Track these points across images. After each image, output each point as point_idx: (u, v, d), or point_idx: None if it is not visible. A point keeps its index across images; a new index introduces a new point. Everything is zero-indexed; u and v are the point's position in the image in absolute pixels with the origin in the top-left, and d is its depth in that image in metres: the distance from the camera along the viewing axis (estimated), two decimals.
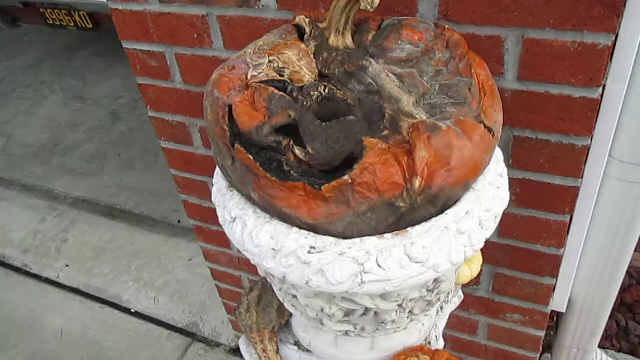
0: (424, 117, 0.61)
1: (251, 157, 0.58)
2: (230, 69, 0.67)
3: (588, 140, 0.85)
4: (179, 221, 2.42)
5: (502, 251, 1.08)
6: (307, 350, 0.83)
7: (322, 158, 0.58)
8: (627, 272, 1.53)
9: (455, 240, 0.55)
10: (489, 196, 0.59)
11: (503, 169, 0.64)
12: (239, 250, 1.48)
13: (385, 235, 0.54)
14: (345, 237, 0.55)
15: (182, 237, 2.32)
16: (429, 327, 0.81)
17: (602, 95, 0.81)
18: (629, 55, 0.77)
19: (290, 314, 0.82)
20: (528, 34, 0.77)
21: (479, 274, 1.14)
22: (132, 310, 2.04)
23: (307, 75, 0.68)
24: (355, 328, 0.67)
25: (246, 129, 0.59)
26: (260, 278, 0.85)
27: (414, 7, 0.82)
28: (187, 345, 1.89)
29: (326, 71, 0.71)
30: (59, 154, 2.98)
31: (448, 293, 0.74)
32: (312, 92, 0.64)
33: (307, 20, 0.73)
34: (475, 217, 0.56)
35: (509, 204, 0.67)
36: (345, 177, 0.54)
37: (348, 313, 0.63)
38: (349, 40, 0.74)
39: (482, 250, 0.63)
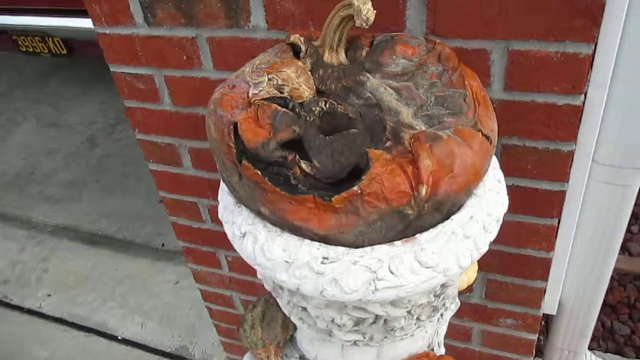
0: (424, 128, 0.63)
1: (259, 172, 0.59)
2: (231, 88, 0.69)
3: (573, 146, 0.88)
4: (163, 245, 2.40)
5: (494, 257, 1.11)
6: None
7: (329, 171, 0.60)
8: None
9: (463, 245, 0.57)
10: (490, 201, 0.61)
11: (500, 175, 0.67)
12: (230, 270, 1.48)
13: (395, 242, 0.56)
14: (356, 247, 0.56)
15: (167, 261, 2.30)
16: (432, 334, 0.83)
17: (584, 102, 0.85)
18: (608, 63, 0.82)
19: (295, 328, 0.83)
20: (513, 46, 0.81)
21: (474, 280, 1.16)
22: (119, 337, 2.00)
23: (306, 91, 0.70)
24: (364, 337, 0.68)
25: (252, 146, 0.61)
26: (264, 294, 0.85)
27: (402, 23, 0.85)
28: None
29: (323, 87, 0.73)
30: (36, 181, 2.93)
31: (452, 298, 0.76)
32: (313, 108, 0.66)
33: (302, 39, 0.75)
34: (480, 221, 0.59)
35: None
36: (355, 187, 0.55)
37: (358, 322, 0.64)
38: (342, 57, 0.76)
39: None
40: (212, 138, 0.65)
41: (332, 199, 0.55)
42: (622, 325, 1.86)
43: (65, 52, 2.94)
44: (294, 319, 0.73)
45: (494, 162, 0.68)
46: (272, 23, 0.94)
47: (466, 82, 0.68)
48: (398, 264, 0.54)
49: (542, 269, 1.09)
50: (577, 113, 0.84)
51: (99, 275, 2.27)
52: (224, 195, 0.65)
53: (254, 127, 0.62)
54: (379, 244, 0.56)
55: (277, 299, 0.75)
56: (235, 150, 0.61)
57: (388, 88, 0.67)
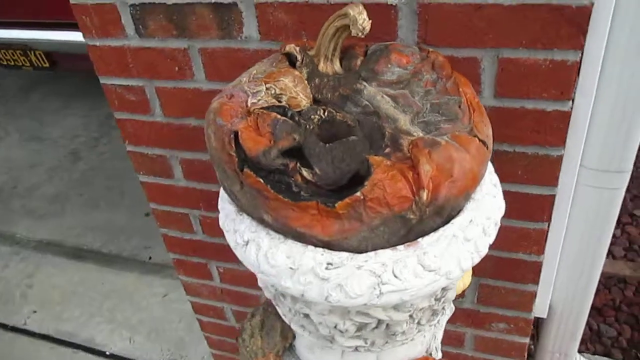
0: (421, 134, 0.64)
1: (261, 180, 0.60)
2: (229, 97, 0.69)
3: (562, 151, 0.90)
4: (150, 258, 2.38)
5: (486, 262, 1.12)
6: None
7: (330, 178, 0.60)
8: None
9: (463, 248, 0.58)
10: (488, 205, 0.62)
11: (496, 179, 0.68)
12: (221, 281, 1.47)
13: (398, 247, 0.57)
14: (359, 252, 0.57)
15: (154, 274, 2.28)
16: (430, 339, 0.83)
17: (571, 108, 0.87)
18: (594, 70, 0.84)
19: (294, 337, 0.83)
20: (502, 54, 0.83)
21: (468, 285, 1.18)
22: (108, 353, 1.97)
23: (304, 100, 0.71)
24: (366, 343, 0.68)
25: (254, 154, 0.61)
26: (262, 304, 0.85)
27: (394, 33, 0.87)
28: None
29: (319, 96, 0.74)
30: (19, 196, 2.88)
31: (450, 302, 0.76)
32: (312, 116, 0.67)
33: (298, 48, 0.77)
34: (479, 225, 0.60)
35: None
36: (358, 193, 0.56)
37: (361, 328, 0.65)
38: (337, 66, 0.77)
39: None
40: (212, 147, 0.66)
41: (336, 205, 0.56)
42: (608, 327, 1.89)
43: (47, 65, 2.91)
44: (294, 327, 0.73)
45: (490, 167, 0.69)
46: (265, 34, 0.95)
47: (460, 90, 0.70)
48: (402, 268, 0.55)
49: (533, 272, 1.10)
50: (565, 119, 0.86)
51: (85, 290, 2.23)
52: (225, 204, 0.66)
53: (255, 136, 0.63)
54: (382, 248, 0.57)
55: (278, 307, 0.75)
56: (236, 159, 0.62)
57: (385, 96, 0.68)
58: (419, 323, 0.68)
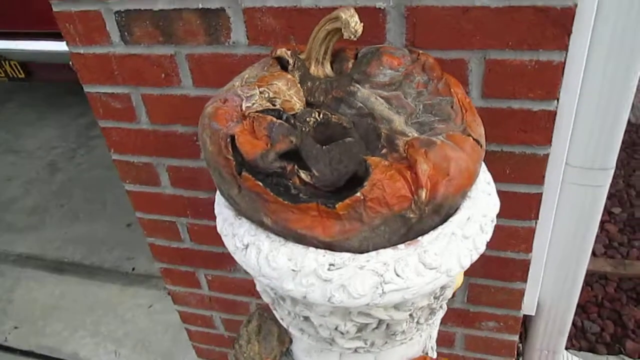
0: (416, 135, 0.65)
1: (260, 184, 0.59)
2: (223, 101, 0.69)
3: (548, 149, 0.92)
4: (133, 269, 2.34)
5: (475, 261, 1.13)
6: None
7: (328, 179, 0.61)
8: None
9: (462, 245, 0.59)
10: (484, 202, 0.63)
11: (490, 178, 0.69)
12: (210, 289, 1.46)
13: (399, 246, 0.57)
14: (361, 252, 0.57)
15: (138, 285, 2.24)
16: (426, 338, 0.84)
17: (557, 107, 0.89)
18: (578, 70, 0.86)
19: (291, 341, 0.83)
20: (489, 55, 0.84)
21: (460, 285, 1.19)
22: None
23: (298, 103, 0.71)
24: (366, 344, 0.69)
25: (251, 158, 0.61)
26: (256, 309, 0.85)
27: (382, 36, 0.88)
28: None
29: (312, 99, 0.75)
30: None
31: (447, 300, 0.77)
32: (308, 119, 0.67)
33: (289, 52, 0.77)
34: (477, 222, 0.61)
35: None
36: (358, 194, 0.56)
37: (361, 328, 0.65)
38: (328, 69, 0.77)
39: None
40: (208, 152, 0.65)
41: (336, 205, 0.56)
42: (592, 323, 1.92)
43: (23, 75, 2.86)
44: (293, 330, 0.73)
45: (482, 166, 0.70)
46: (253, 39, 0.95)
47: (452, 90, 0.71)
48: (404, 267, 0.55)
49: (522, 270, 1.12)
50: (551, 118, 0.88)
51: (68, 304, 2.19)
52: (222, 209, 0.65)
53: (252, 139, 0.63)
54: (383, 248, 0.57)
55: (275, 312, 0.75)
56: (234, 163, 0.61)
57: (378, 98, 0.69)
58: (418, 322, 0.69)
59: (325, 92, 0.75)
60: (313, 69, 0.77)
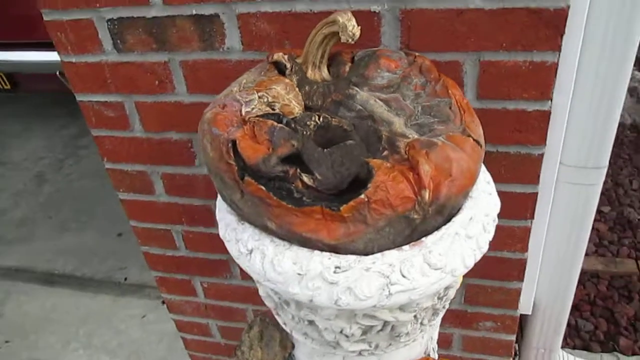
0: (416, 136, 0.65)
1: (263, 188, 0.59)
2: (222, 107, 0.69)
3: (543, 149, 0.93)
4: (125, 279, 2.32)
5: None
6: None
7: (330, 182, 0.61)
8: None
9: (466, 245, 0.59)
10: (485, 202, 0.64)
11: (489, 177, 0.70)
12: (205, 297, 1.45)
13: (404, 247, 0.57)
14: (366, 254, 0.57)
15: (131, 295, 2.22)
16: (428, 340, 0.84)
17: (550, 107, 0.90)
18: (571, 70, 0.87)
19: (293, 346, 0.82)
20: (484, 57, 0.85)
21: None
22: None
23: (297, 107, 0.72)
24: (370, 346, 0.68)
25: (253, 162, 0.61)
26: (257, 315, 0.85)
27: (378, 39, 0.88)
28: None
29: (310, 103, 0.75)
30: None
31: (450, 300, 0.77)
32: (308, 122, 0.67)
33: (286, 57, 0.77)
34: (479, 222, 0.61)
35: None
36: (362, 196, 0.56)
37: (366, 331, 0.65)
38: (325, 73, 0.78)
39: None
40: (209, 157, 0.65)
41: (341, 208, 0.56)
42: (585, 322, 1.94)
43: (9, 87, 2.83)
44: (296, 335, 0.73)
45: (482, 166, 0.71)
46: (248, 44, 0.95)
47: (450, 92, 0.72)
48: (409, 268, 0.55)
49: (518, 270, 1.13)
50: (545, 118, 0.89)
51: (60, 317, 2.16)
52: (225, 215, 0.65)
53: (253, 144, 0.63)
54: (387, 249, 0.57)
55: (278, 317, 0.74)
56: (236, 168, 0.61)
57: (377, 100, 0.69)
58: (421, 323, 0.69)
59: (323, 96, 0.75)
60: (310, 73, 0.77)
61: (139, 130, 1.14)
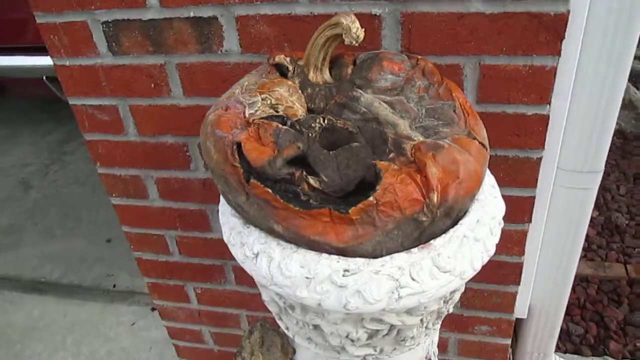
0: (422, 139, 0.65)
1: (270, 190, 0.59)
2: (225, 109, 0.68)
3: (542, 153, 0.93)
4: (114, 286, 2.28)
5: None
6: None
7: (337, 185, 0.60)
8: None
9: (474, 248, 0.59)
10: (492, 205, 0.64)
11: (494, 180, 0.70)
12: (199, 303, 1.43)
13: (412, 250, 0.57)
14: (374, 257, 0.56)
15: (120, 302, 2.19)
16: (429, 344, 0.84)
17: (549, 112, 0.91)
18: (569, 75, 0.88)
19: (294, 351, 0.81)
20: (484, 60, 0.85)
21: None
22: None
23: (300, 109, 0.71)
24: (375, 350, 0.68)
25: (259, 164, 0.60)
26: (257, 320, 0.83)
27: (378, 42, 0.88)
28: None
29: (312, 105, 0.74)
30: None
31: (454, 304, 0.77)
32: (313, 124, 0.66)
33: (288, 59, 0.76)
34: (486, 225, 0.61)
35: None
36: (371, 198, 0.56)
37: (372, 335, 0.64)
38: (327, 75, 0.77)
39: None
40: (212, 160, 0.64)
41: (349, 210, 0.56)
42: (576, 326, 1.95)
43: None
44: (300, 340, 0.72)
45: (487, 169, 0.71)
46: (246, 47, 0.94)
47: (453, 94, 0.72)
48: (419, 270, 0.55)
49: (515, 273, 1.13)
50: (544, 122, 0.89)
51: (47, 325, 2.12)
52: (229, 218, 0.64)
53: (258, 146, 0.62)
54: (396, 252, 0.57)
55: (280, 322, 0.73)
56: (241, 170, 0.60)
57: (382, 102, 0.69)
58: (426, 327, 0.68)
59: (326, 98, 0.74)
60: (312, 76, 0.77)
61: (133, 134, 1.13)
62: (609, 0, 0.80)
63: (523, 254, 1.09)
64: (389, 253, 0.57)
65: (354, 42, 0.69)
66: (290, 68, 0.75)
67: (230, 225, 0.63)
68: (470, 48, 0.84)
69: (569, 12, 0.78)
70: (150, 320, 2.07)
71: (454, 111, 0.70)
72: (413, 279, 0.55)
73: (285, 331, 0.74)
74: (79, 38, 1.02)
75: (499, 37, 0.82)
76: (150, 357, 1.95)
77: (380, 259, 0.56)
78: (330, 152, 0.63)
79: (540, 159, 0.94)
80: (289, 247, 0.58)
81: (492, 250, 0.61)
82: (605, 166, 0.99)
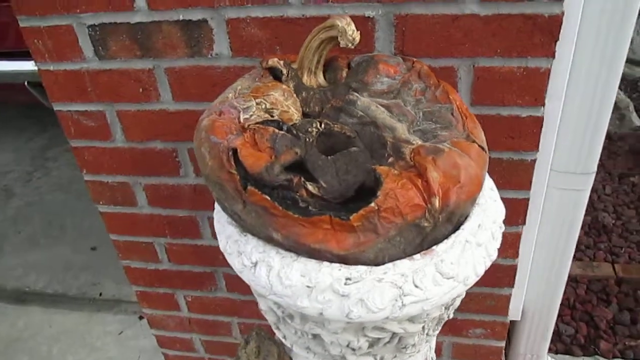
0: (420, 142, 0.64)
1: (268, 197, 0.57)
2: (219, 114, 0.67)
3: (536, 155, 0.93)
4: (100, 294, 2.24)
5: None
6: None
7: (336, 190, 0.59)
8: None
9: (477, 253, 0.58)
10: (492, 209, 0.63)
11: (492, 184, 0.69)
12: (189, 311, 1.41)
13: (415, 256, 0.56)
14: (376, 264, 0.55)
15: (107, 311, 2.15)
16: (427, 349, 0.83)
17: (543, 113, 0.91)
18: (562, 77, 0.88)
19: None
20: (478, 62, 0.85)
21: None
22: None
23: (296, 114, 0.70)
24: (376, 359, 0.66)
25: (256, 171, 0.59)
26: (253, 329, 0.82)
27: (372, 44, 0.87)
28: None
29: (307, 110, 0.73)
30: None
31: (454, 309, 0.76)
32: (310, 129, 0.65)
33: (282, 62, 0.75)
34: (488, 229, 0.60)
35: None
36: (372, 204, 0.55)
37: (373, 343, 0.63)
38: (321, 79, 0.76)
39: None
40: (207, 166, 0.62)
41: (350, 217, 0.54)
42: (566, 326, 1.95)
43: None
44: (298, 350, 0.70)
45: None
46: (237, 50, 0.92)
47: (450, 97, 0.71)
48: (422, 277, 0.54)
49: (509, 276, 1.13)
50: (539, 124, 0.89)
51: (31, 336, 2.07)
52: (225, 226, 0.62)
53: (255, 152, 0.60)
54: (398, 259, 0.56)
55: (278, 331, 0.72)
56: (238, 177, 0.59)
57: (379, 106, 0.68)
58: (427, 334, 0.67)
59: (321, 102, 0.73)
60: (306, 79, 0.75)
61: (120, 140, 1.10)
62: (603, 1, 0.80)
63: (517, 256, 1.09)
64: (391, 260, 0.55)
65: (350, 45, 0.68)
66: (284, 71, 0.74)
67: (226, 234, 0.62)
68: (465, 50, 0.84)
69: (563, 13, 0.77)
70: (137, 329, 2.03)
71: (452, 114, 0.69)
72: (416, 286, 0.54)
73: (282, 340, 0.72)
74: (64, 42, 1.00)
75: (493, 39, 0.82)
76: None
77: (382, 267, 0.54)
78: (329, 157, 0.61)
79: (535, 160, 0.94)
80: (288, 255, 0.56)
81: (494, 254, 0.60)
82: None
